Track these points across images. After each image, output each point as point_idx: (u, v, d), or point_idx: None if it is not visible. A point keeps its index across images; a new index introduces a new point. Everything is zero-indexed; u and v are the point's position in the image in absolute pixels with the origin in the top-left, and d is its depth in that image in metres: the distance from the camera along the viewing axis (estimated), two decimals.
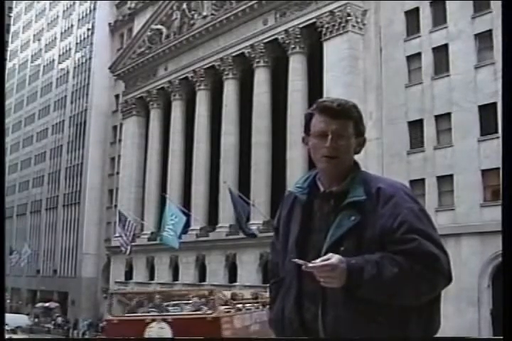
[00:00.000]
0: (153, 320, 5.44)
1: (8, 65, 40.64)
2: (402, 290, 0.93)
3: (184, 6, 22.56)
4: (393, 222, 0.97)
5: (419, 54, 15.68)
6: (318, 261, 0.92)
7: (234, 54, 20.25)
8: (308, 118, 1.06)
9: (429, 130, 15.10)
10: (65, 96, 31.85)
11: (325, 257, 0.93)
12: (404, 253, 0.94)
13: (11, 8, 42.28)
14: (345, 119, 1.03)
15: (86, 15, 31.04)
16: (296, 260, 0.94)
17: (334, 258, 0.93)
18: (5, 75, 35.01)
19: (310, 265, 0.92)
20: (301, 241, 1.03)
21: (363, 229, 0.99)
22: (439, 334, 1.01)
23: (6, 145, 36.34)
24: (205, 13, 21.53)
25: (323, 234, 1.01)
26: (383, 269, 0.93)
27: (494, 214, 12.07)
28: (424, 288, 0.95)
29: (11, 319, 18.52)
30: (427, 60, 15.46)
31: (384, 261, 0.94)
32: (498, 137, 12.86)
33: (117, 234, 21.17)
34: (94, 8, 29.95)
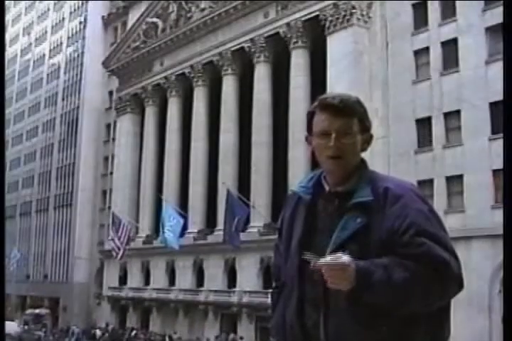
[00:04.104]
0: None
1: None
2: (411, 295, 0.89)
3: None
4: (401, 223, 0.93)
5: (427, 48, 15.19)
6: (328, 259, 0.88)
7: (233, 48, 19.60)
8: (310, 117, 1.01)
9: (438, 128, 14.66)
10: (56, 92, 30.92)
11: (335, 256, 0.89)
12: (413, 257, 0.90)
13: None
14: (349, 116, 0.98)
15: (78, 7, 30.13)
16: (307, 256, 0.90)
17: (345, 257, 0.88)
18: (4, 75, 33.47)
19: (320, 262, 0.88)
20: (304, 243, 1.00)
21: (369, 232, 0.94)
22: None
23: None
24: (202, 6, 20.90)
25: (326, 236, 0.97)
26: (392, 273, 0.90)
27: None
28: (435, 294, 0.90)
29: None
30: (436, 55, 14.98)
31: (393, 265, 0.90)
32: None
33: (110, 238, 20.44)
34: (87, 1, 29.08)
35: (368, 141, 1.01)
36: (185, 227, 18.51)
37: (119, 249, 18.63)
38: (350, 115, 0.97)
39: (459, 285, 0.92)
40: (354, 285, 0.87)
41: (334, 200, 0.99)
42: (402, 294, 0.88)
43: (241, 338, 16.77)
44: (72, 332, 21.70)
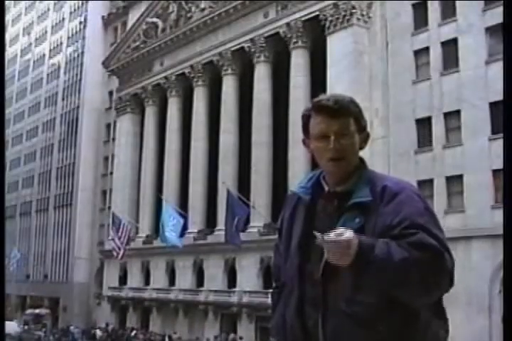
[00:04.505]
0: None
1: None
2: (408, 277, 0.90)
3: None
4: (394, 218, 0.94)
5: (427, 48, 15.16)
6: (332, 236, 0.89)
7: (233, 48, 19.58)
8: (306, 120, 1.01)
9: (438, 128, 14.63)
10: (56, 92, 30.89)
11: (339, 231, 0.89)
12: (408, 244, 0.91)
13: None
14: (345, 117, 0.98)
15: (78, 7, 30.11)
16: (317, 233, 0.90)
17: (349, 232, 0.89)
18: (4, 75, 33.33)
19: (325, 238, 0.88)
20: (303, 243, 1.00)
21: (367, 231, 0.94)
22: None
23: None
24: (203, 6, 20.85)
25: None
26: (393, 251, 0.90)
27: None
28: (430, 281, 0.90)
29: None
30: (436, 55, 14.94)
31: (393, 244, 0.91)
32: None
33: (110, 238, 20.41)
34: (87, 0, 29.05)
35: (365, 140, 1.01)
36: (185, 227, 18.45)
37: (119, 249, 18.62)
38: (346, 115, 0.97)
39: (450, 281, 0.91)
40: (357, 258, 0.87)
41: (333, 200, 0.99)
42: (402, 273, 0.88)
43: (241, 338, 16.74)
44: (70, 332, 21.66)
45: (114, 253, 19.02)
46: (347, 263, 0.88)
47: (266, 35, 18.44)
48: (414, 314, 0.92)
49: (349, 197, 0.97)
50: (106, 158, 27.07)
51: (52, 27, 32.50)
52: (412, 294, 0.89)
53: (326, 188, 1.01)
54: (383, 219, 0.93)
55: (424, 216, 0.94)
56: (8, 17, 38.98)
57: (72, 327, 22.33)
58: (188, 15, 21.51)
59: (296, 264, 0.99)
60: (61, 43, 31.22)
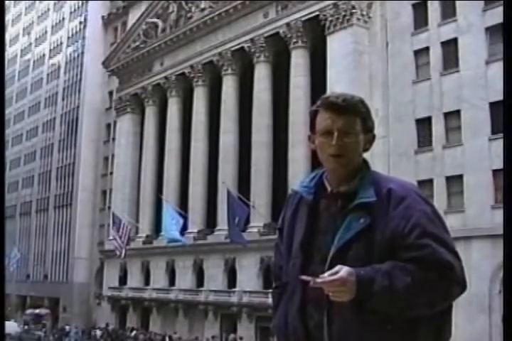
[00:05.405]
0: None
1: None
2: (414, 301, 0.90)
3: None
4: (405, 224, 0.94)
5: (427, 48, 15.21)
6: (326, 276, 0.89)
7: (233, 48, 19.62)
8: (313, 116, 1.02)
9: (438, 128, 14.67)
10: (56, 92, 30.94)
11: (333, 270, 0.89)
12: (417, 260, 0.91)
13: None
14: (352, 115, 0.99)
15: (78, 7, 30.17)
16: (304, 277, 0.91)
17: (343, 271, 0.89)
18: (4, 75, 33.42)
19: (318, 280, 0.88)
20: (306, 243, 1.00)
21: (373, 232, 0.95)
22: None
23: None
24: (203, 6, 20.89)
25: (329, 236, 0.97)
26: (395, 280, 0.90)
27: None
28: (438, 298, 0.91)
29: None
30: (436, 55, 14.98)
31: (395, 271, 0.91)
32: None
33: (111, 237, 20.45)
34: (87, 0, 29.08)
35: (370, 141, 1.01)
36: (185, 227, 18.46)
37: (121, 248, 18.68)
38: (353, 114, 0.98)
39: (463, 287, 0.92)
40: (356, 295, 0.88)
41: (337, 201, 0.99)
42: (406, 301, 0.88)
43: (241, 338, 16.75)
44: (66, 332, 21.63)
45: (117, 252, 19.07)
46: (349, 298, 0.88)
47: (266, 35, 18.47)
48: (419, 315, 0.92)
49: (353, 198, 0.96)
50: (106, 158, 27.04)
51: (52, 27, 32.51)
52: (417, 313, 0.91)
53: (329, 188, 1.01)
54: (394, 224, 0.93)
55: (433, 221, 0.94)
56: (8, 17, 38.94)
57: (67, 327, 22.26)
58: (188, 15, 21.54)
59: (298, 264, 0.98)
60: (61, 43, 31.23)
